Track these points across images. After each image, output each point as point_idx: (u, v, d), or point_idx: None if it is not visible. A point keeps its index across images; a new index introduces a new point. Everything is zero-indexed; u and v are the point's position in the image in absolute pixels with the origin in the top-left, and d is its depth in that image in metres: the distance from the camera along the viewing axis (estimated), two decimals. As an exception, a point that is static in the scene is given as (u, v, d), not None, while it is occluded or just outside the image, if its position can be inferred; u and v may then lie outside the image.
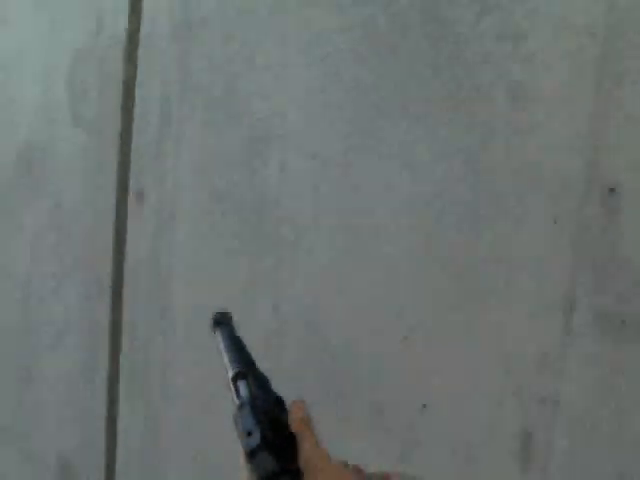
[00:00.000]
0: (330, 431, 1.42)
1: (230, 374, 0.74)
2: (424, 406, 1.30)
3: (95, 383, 2.04)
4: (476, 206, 1.24)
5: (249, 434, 0.64)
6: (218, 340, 0.81)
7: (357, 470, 0.71)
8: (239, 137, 1.61)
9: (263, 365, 1.57)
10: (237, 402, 0.69)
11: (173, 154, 1.77)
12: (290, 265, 1.52)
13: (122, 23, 1.88)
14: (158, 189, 1.81)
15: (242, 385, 0.72)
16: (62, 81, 2.09)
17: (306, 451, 0.64)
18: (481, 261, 1.23)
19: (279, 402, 0.71)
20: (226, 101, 1.64)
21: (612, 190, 1.12)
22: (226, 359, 0.77)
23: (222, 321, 0.85)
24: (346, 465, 0.69)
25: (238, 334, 0.82)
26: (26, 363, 2.32)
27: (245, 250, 1.61)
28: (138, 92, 1.88)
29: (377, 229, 1.37)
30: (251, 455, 0.62)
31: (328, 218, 1.45)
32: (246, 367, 0.75)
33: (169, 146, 1.78)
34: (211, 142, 1.68)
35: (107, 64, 1.95)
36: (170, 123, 1.78)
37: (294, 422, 0.67)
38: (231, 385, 0.73)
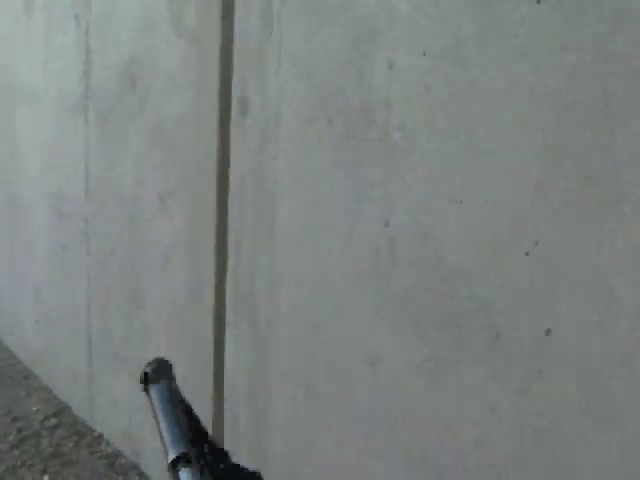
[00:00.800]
0: (444, 358, 1.36)
1: (170, 457, 0.56)
2: (549, 331, 1.21)
3: (202, 304, 2.08)
4: (608, 100, 1.09)
5: None
6: (152, 405, 0.61)
7: None
8: (343, 36, 1.51)
9: (371, 285, 1.51)
10: None
11: (276, 59, 1.71)
12: (401, 174, 1.44)
13: None
14: (262, 96, 1.76)
15: (185, 474, 0.55)
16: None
17: None
18: (615, 164, 1.09)
19: None
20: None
21: None
22: (164, 435, 0.58)
23: (156, 377, 0.62)
24: None
25: (179, 391, 0.62)
26: (135, 285, 2.40)
27: (353, 159, 1.54)
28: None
29: (496, 130, 1.25)
30: None
31: (441, 120, 1.35)
32: (191, 446, 0.57)
33: (271, 51, 1.72)
34: (314, 44, 1.59)
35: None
36: (271, 27, 1.71)
37: None
38: (170, 473, 0.56)
